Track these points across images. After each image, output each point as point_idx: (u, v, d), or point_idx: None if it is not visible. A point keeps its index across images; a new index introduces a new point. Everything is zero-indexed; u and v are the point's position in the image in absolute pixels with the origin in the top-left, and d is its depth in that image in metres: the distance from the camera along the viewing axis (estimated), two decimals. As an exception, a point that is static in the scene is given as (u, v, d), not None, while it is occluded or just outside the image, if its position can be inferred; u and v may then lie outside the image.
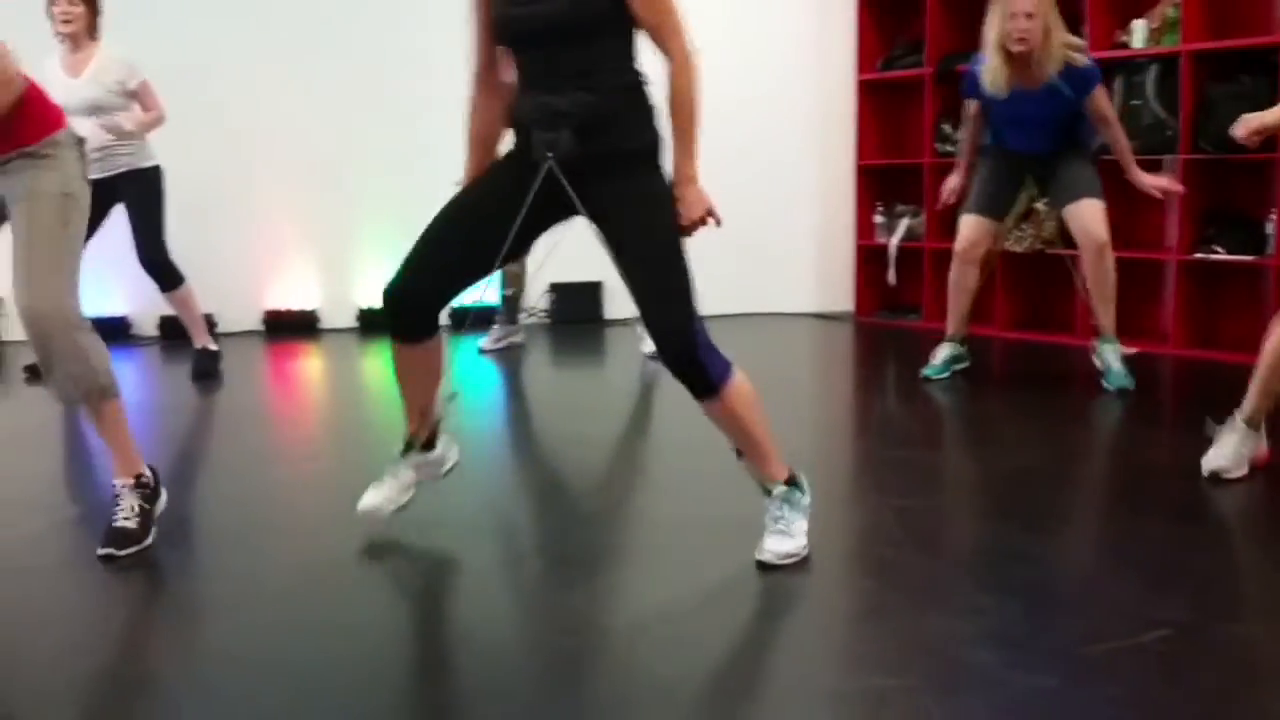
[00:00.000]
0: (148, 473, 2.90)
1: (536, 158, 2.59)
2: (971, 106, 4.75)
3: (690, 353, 2.54)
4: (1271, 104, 4.93)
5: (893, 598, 2.50)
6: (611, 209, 2.60)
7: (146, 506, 2.86)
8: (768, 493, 2.74)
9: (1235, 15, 5.35)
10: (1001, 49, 4.37)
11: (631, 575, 2.74)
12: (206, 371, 5.21)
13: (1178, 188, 4.71)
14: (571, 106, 2.55)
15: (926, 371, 4.90)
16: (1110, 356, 4.67)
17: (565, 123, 2.55)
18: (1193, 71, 5.29)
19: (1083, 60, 4.40)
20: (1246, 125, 3.33)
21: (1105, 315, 4.66)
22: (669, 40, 2.56)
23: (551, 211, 2.68)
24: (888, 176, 6.72)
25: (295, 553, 2.86)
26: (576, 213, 2.67)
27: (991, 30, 4.39)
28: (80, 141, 2.88)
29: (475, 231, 2.65)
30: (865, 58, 6.67)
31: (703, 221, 2.59)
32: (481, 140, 2.76)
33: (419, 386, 2.86)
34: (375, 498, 2.90)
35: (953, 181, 4.91)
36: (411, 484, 2.96)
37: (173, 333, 5.97)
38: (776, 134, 6.79)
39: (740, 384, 2.64)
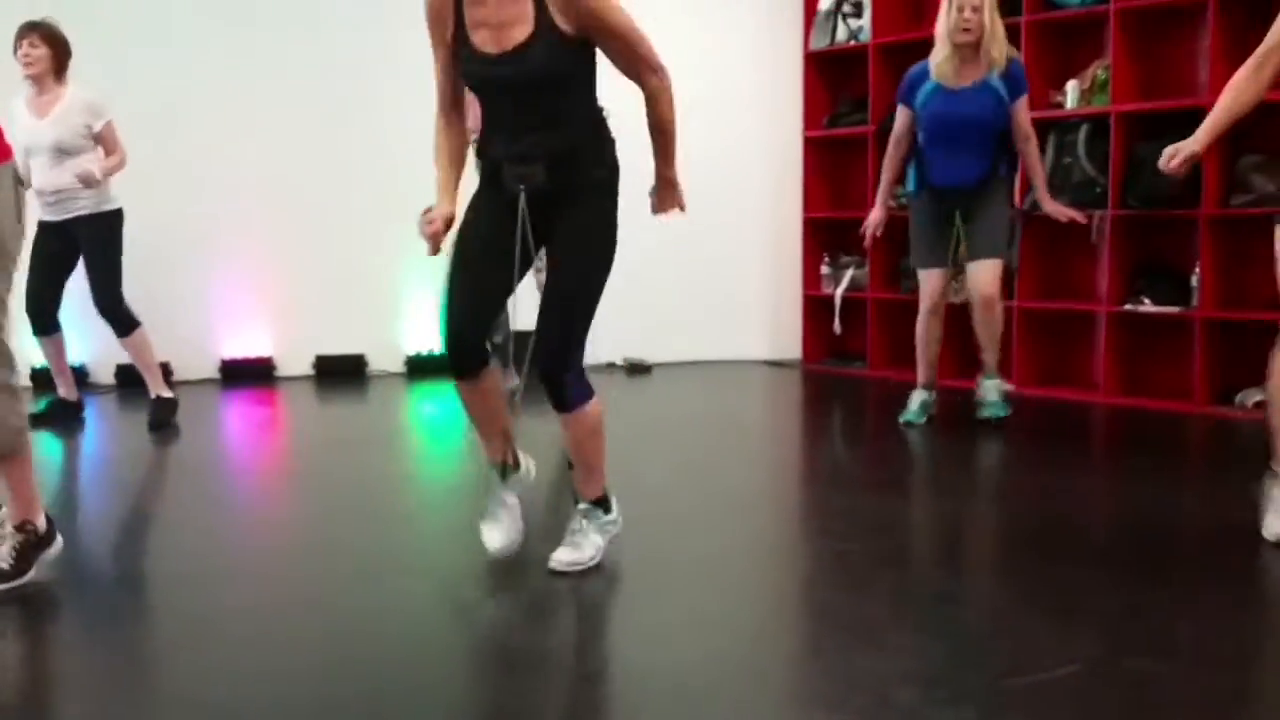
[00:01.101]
0: (40, 523, 2.97)
1: (509, 190, 2.83)
2: (901, 118, 4.97)
3: (559, 369, 2.86)
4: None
5: (830, 638, 2.64)
6: (558, 231, 2.87)
7: (24, 551, 2.93)
8: (576, 503, 3.06)
9: (1162, 78, 5.62)
10: (950, 41, 4.75)
11: (582, 616, 2.86)
12: (163, 420, 5.21)
13: (1081, 218, 5.06)
14: (542, 147, 2.79)
15: (906, 416, 5.08)
16: (991, 391, 5.02)
17: (537, 160, 2.80)
18: (1122, 131, 5.55)
19: (1016, 55, 4.87)
20: (1180, 156, 3.33)
21: (990, 356, 5.02)
22: (645, 73, 2.83)
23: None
24: (833, 229, 6.93)
25: (249, 598, 2.93)
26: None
27: (941, 24, 4.78)
28: (19, 181, 2.96)
29: (491, 263, 2.89)
30: (811, 115, 6.91)
31: (670, 209, 3.05)
32: (450, 155, 2.96)
33: (492, 414, 3.07)
34: (500, 535, 3.07)
35: (875, 215, 5.14)
36: (518, 505, 3.13)
37: (129, 381, 5.97)
38: (728, 188, 6.98)
39: (591, 413, 2.95)
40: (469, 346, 2.92)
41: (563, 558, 3.00)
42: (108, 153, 5.04)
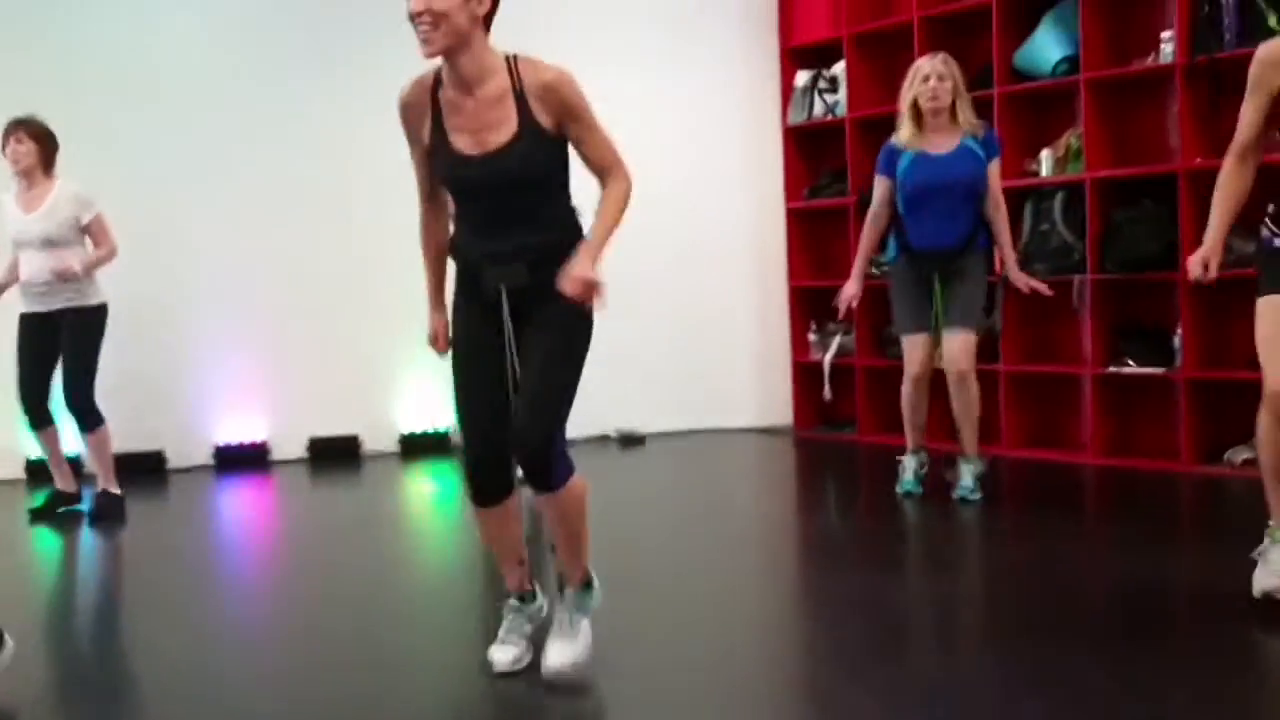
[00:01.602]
0: None
1: (487, 291, 2.84)
2: (880, 189, 4.98)
3: (541, 458, 2.80)
4: (1172, 225, 5.32)
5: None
6: (535, 322, 2.85)
7: None
8: (561, 590, 3.01)
9: (1135, 145, 5.72)
10: (915, 108, 4.83)
11: (568, 701, 2.87)
12: (108, 514, 5.18)
13: (1046, 290, 5.03)
14: (523, 245, 2.82)
15: (904, 488, 5.02)
16: (965, 475, 4.92)
17: (518, 259, 2.82)
18: (1097, 197, 5.65)
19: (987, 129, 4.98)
20: (1212, 266, 3.48)
21: (967, 436, 4.93)
22: (613, 167, 2.86)
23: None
24: (819, 297, 7.00)
25: (240, 686, 2.96)
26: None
27: (905, 96, 4.87)
28: None
29: (493, 381, 2.89)
30: (792, 188, 7.03)
31: (585, 290, 2.72)
32: (435, 248, 3.04)
33: (512, 541, 3.06)
34: (507, 657, 3.00)
35: (851, 288, 5.08)
36: (530, 635, 3.07)
37: (126, 468, 5.77)
38: (715, 260, 7.09)
39: (576, 487, 2.90)
40: (493, 473, 2.92)
41: (561, 657, 2.90)
42: (96, 245, 5.10)
